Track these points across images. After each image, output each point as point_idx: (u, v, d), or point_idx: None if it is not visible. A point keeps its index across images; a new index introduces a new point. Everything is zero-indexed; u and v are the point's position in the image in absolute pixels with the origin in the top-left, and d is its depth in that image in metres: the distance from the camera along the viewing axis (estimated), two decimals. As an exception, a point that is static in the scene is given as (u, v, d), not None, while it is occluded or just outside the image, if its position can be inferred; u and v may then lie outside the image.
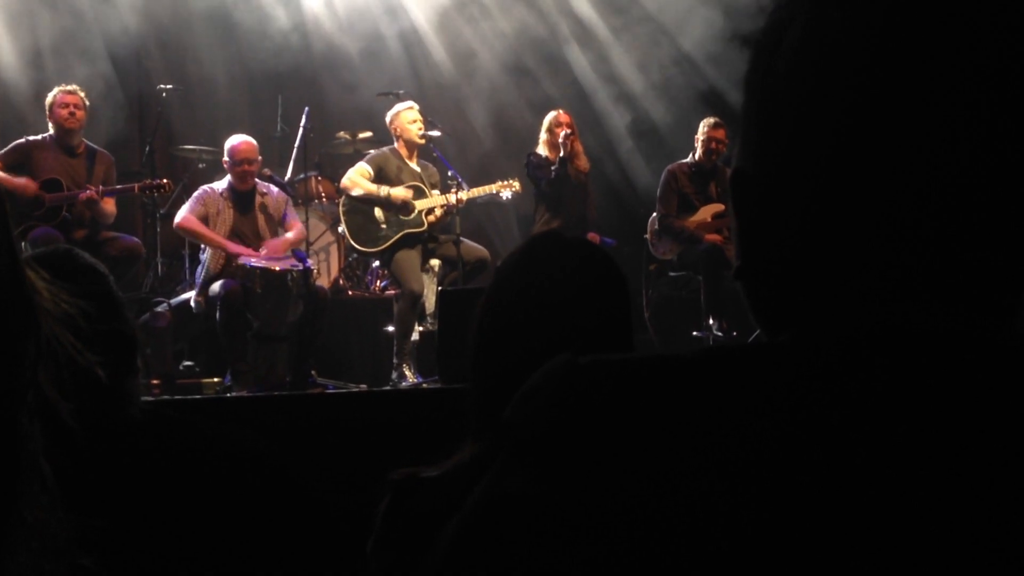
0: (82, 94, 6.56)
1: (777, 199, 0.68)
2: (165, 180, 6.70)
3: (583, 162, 7.31)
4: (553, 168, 7.08)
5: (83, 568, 0.73)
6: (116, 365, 1.62)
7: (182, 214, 6.43)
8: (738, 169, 0.70)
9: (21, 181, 6.25)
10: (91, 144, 6.64)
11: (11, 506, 0.61)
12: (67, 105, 6.44)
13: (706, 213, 7.15)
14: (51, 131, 6.51)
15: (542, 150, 7.26)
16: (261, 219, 6.52)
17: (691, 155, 7.25)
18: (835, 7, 0.66)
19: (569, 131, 7.16)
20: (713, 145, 7.12)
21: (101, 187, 6.36)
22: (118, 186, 6.57)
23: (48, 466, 0.67)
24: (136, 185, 6.65)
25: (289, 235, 6.53)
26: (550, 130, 7.23)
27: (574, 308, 1.57)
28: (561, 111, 7.36)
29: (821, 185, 0.66)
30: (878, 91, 0.64)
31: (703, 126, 7.19)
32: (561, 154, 7.10)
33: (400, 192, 6.63)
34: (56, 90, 6.53)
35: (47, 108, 6.52)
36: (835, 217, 0.65)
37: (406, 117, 6.78)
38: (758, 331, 0.73)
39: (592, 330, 1.56)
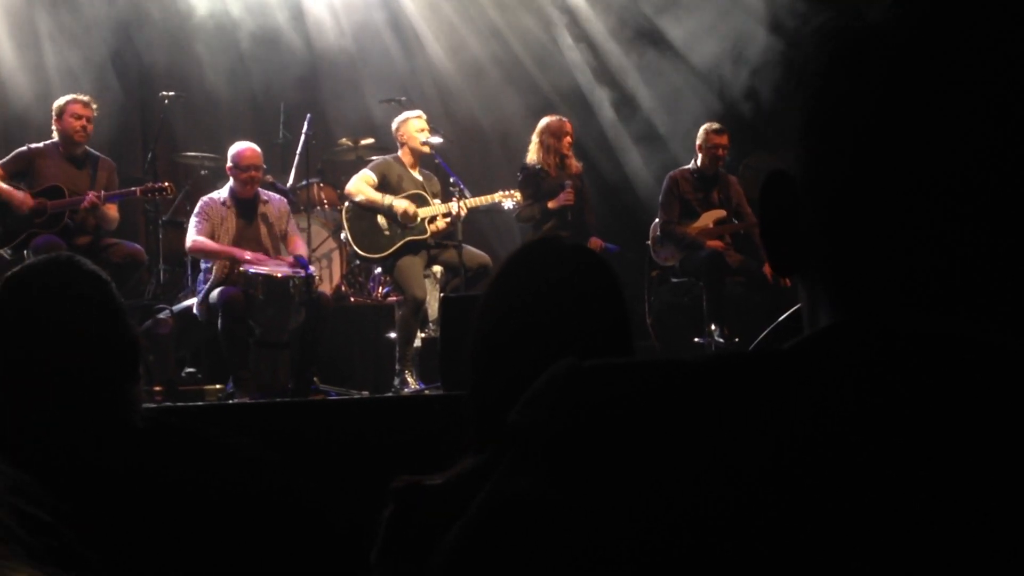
0: (95, 106, 6.53)
1: (804, 202, 0.70)
2: (167, 183, 6.68)
3: (575, 166, 7.27)
4: (568, 183, 7.03)
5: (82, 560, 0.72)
6: (118, 372, 1.62)
7: (191, 236, 6.36)
8: (777, 170, 0.71)
9: (19, 195, 6.24)
10: (93, 151, 6.62)
11: None
12: (80, 117, 6.40)
13: (708, 219, 7.14)
14: (55, 138, 6.48)
15: (534, 155, 7.17)
16: (263, 229, 6.51)
17: (692, 161, 7.24)
18: (860, 34, 0.68)
19: (571, 140, 7.16)
20: (720, 151, 7.09)
21: (103, 192, 6.35)
22: (120, 190, 6.56)
23: None
24: (138, 189, 6.62)
25: (298, 251, 6.50)
26: (556, 136, 7.12)
27: (570, 313, 1.56)
28: (563, 118, 7.27)
29: (843, 193, 0.67)
30: (894, 115, 0.65)
31: (703, 132, 7.13)
32: (561, 167, 7.08)
33: (402, 204, 6.62)
34: (70, 98, 6.46)
35: (56, 113, 6.46)
36: (855, 224, 0.67)
37: (414, 126, 6.76)
38: (760, 337, 0.74)
39: (589, 335, 1.56)
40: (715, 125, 7.17)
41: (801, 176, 0.70)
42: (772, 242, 0.72)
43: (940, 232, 0.64)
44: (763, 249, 0.74)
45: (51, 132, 6.55)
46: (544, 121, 7.24)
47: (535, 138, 7.23)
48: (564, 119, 7.26)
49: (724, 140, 7.10)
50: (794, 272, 0.72)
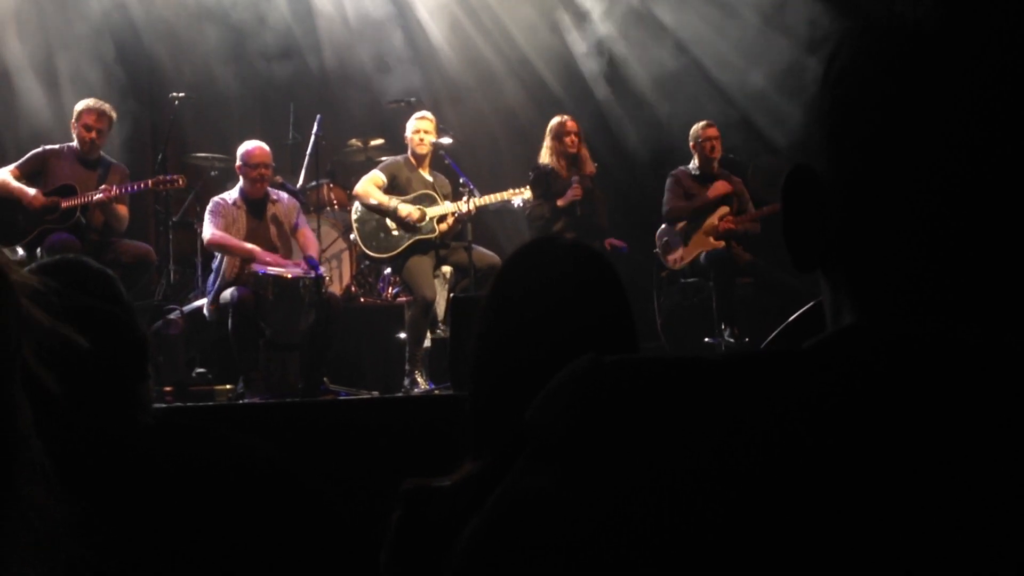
0: (114, 116, 6.55)
1: (827, 198, 0.69)
2: (179, 176, 6.70)
3: (589, 167, 7.28)
4: (575, 180, 7.05)
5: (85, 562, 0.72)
6: (126, 370, 1.62)
7: (209, 231, 6.38)
8: (799, 164, 0.71)
9: (29, 193, 6.27)
10: (107, 156, 6.67)
11: (7, 481, 0.61)
12: (91, 129, 6.44)
13: (713, 217, 7.13)
14: (75, 142, 6.53)
15: (547, 158, 7.19)
16: (273, 228, 6.53)
17: (691, 162, 7.27)
18: (871, 41, 0.68)
19: (577, 139, 7.16)
20: (713, 143, 7.12)
21: (116, 187, 6.37)
22: (133, 183, 6.56)
23: (40, 444, 0.66)
24: (150, 180, 6.64)
25: (309, 251, 6.51)
26: (558, 138, 7.15)
27: (567, 310, 1.55)
28: (568, 117, 7.28)
29: (862, 191, 0.67)
30: (902, 114, 0.65)
31: (693, 130, 7.22)
32: (572, 166, 7.10)
33: (407, 209, 6.64)
34: (89, 105, 6.48)
35: (74, 116, 6.51)
36: (875, 223, 0.66)
37: (411, 127, 6.83)
38: (770, 338, 0.74)
39: (588, 331, 1.55)
40: (704, 122, 7.22)
41: (823, 171, 0.70)
42: (792, 237, 0.71)
43: (960, 235, 0.63)
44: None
45: (62, 134, 6.58)
46: (552, 122, 7.27)
47: (545, 140, 7.26)
48: (566, 118, 7.25)
49: (714, 132, 7.16)
50: (814, 268, 0.72)
